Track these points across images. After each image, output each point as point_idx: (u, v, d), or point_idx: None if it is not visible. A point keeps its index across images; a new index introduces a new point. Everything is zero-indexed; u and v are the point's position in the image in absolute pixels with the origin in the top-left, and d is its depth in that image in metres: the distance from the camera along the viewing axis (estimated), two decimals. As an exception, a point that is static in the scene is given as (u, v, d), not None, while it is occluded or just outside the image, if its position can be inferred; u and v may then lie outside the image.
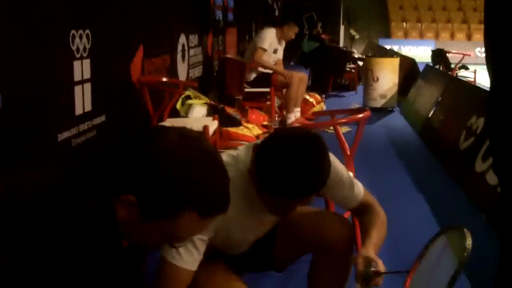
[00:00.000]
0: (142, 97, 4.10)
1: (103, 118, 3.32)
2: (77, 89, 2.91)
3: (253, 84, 6.46)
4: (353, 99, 8.81)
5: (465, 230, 1.45)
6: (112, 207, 1.23)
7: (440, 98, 6.36)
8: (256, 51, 6.34)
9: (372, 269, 1.67)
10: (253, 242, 1.99)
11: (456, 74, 9.10)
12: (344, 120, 3.09)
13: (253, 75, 6.46)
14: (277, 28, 6.57)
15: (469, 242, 1.40)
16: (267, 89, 6.42)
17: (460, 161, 4.67)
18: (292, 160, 1.62)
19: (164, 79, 4.55)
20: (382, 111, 7.78)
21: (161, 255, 1.66)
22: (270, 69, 6.40)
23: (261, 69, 6.46)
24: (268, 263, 2.06)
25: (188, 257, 1.66)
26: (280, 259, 2.05)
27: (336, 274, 1.95)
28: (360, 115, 2.90)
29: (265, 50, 6.33)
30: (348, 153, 2.95)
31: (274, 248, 2.02)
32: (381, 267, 1.69)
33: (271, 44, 6.44)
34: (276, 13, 12.65)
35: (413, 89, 8.01)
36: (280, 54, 6.75)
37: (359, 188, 1.97)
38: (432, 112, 6.36)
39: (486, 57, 1.57)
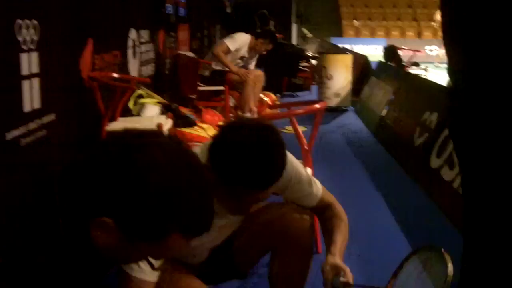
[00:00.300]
0: (93, 95, 3.95)
1: (53, 116, 3.17)
2: (25, 84, 2.75)
3: (208, 81, 6.36)
4: (307, 99, 8.82)
5: (444, 254, 1.44)
6: (86, 226, 1.11)
7: (393, 95, 6.40)
8: (221, 44, 6.24)
9: (341, 279, 1.65)
10: (212, 249, 1.92)
11: (408, 71, 9.23)
12: (301, 111, 3.03)
13: (208, 72, 6.36)
14: (252, 38, 6.50)
15: (450, 269, 1.39)
16: (222, 88, 6.33)
17: (415, 158, 4.70)
18: (248, 146, 1.57)
19: (115, 75, 4.40)
20: (336, 111, 7.82)
21: (119, 267, 1.57)
22: (225, 65, 6.30)
23: (217, 67, 6.37)
24: (229, 269, 1.99)
25: (148, 268, 1.56)
26: (241, 263, 1.99)
27: (298, 268, 1.89)
28: (317, 106, 2.87)
29: (229, 49, 6.24)
30: (306, 147, 2.91)
31: (234, 252, 1.95)
32: (349, 275, 1.67)
33: (239, 49, 6.36)
34: (228, 11, 12.56)
35: (366, 87, 8.06)
36: (251, 66, 6.69)
37: (318, 186, 1.93)
38: (386, 110, 6.40)
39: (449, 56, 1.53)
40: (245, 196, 1.66)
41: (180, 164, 1.11)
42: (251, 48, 6.53)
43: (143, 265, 1.54)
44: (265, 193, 1.66)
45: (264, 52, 6.72)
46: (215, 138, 1.65)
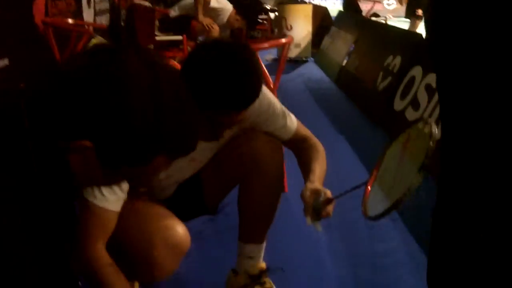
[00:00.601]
0: (46, 41, 3.78)
1: (6, 61, 3.03)
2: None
3: (170, 25, 6.13)
4: (267, 51, 8.71)
5: (425, 120, 1.37)
6: (60, 150, 1.00)
7: (354, 43, 6.36)
8: None
9: (321, 199, 1.59)
10: (179, 183, 1.84)
11: (369, 18, 9.23)
12: (267, 45, 2.96)
13: (175, 13, 6.13)
14: (233, 11, 6.25)
15: (434, 129, 1.30)
16: (180, 38, 6.14)
17: (378, 102, 4.69)
18: (224, 61, 1.49)
19: (70, 20, 4.22)
20: (297, 62, 7.76)
21: (80, 196, 1.47)
22: (196, 9, 6.01)
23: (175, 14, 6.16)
24: (198, 205, 1.91)
25: (112, 197, 1.48)
26: (210, 197, 1.91)
27: (267, 200, 1.83)
28: (283, 40, 2.80)
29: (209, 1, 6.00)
30: (272, 86, 2.85)
31: (202, 185, 1.88)
32: (329, 195, 1.60)
33: (219, 12, 6.13)
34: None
35: (326, 38, 8.00)
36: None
37: (292, 119, 1.87)
38: (347, 57, 6.37)
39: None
40: (219, 120, 1.58)
41: (163, 78, 0.99)
42: (228, 22, 6.31)
43: (107, 193, 1.46)
44: (239, 116, 1.59)
45: (234, 26, 6.48)
46: (188, 56, 1.55)
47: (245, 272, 1.89)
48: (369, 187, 1.45)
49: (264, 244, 1.90)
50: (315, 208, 1.59)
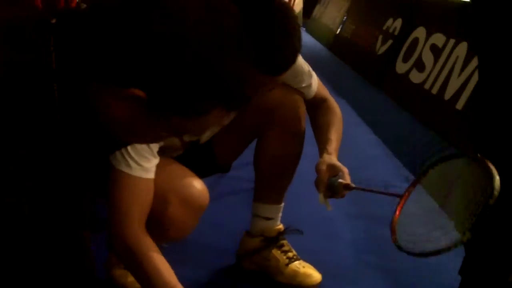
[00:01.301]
0: None
1: None
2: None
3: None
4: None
5: (491, 168, 1.15)
6: (89, 95, 0.83)
7: (350, 8, 6.18)
8: None
9: (340, 180, 1.47)
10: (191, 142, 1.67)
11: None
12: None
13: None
14: None
15: (497, 182, 1.12)
16: None
17: (379, 65, 4.54)
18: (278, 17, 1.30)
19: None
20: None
21: (112, 166, 1.29)
22: None
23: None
24: (210, 162, 1.74)
25: (146, 164, 1.31)
26: (222, 154, 1.73)
27: (289, 151, 1.67)
28: None
29: None
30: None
31: (214, 142, 1.70)
32: (347, 177, 1.48)
33: None
34: None
35: (318, 6, 7.83)
36: None
37: (315, 78, 1.70)
38: (342, 23, 6.20)
39: None
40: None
41: (224, 24, 0.82)
42: None
43: (141, 160, 1.29)
44: (275, 82, 1.41)
45: None
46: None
47: (261, 234, 1.74)
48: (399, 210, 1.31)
49: (283, 205, 1.74)
50: (330, 187, 1.47)
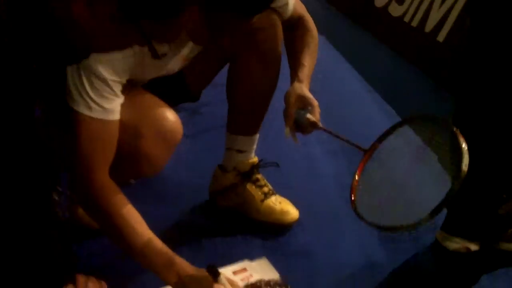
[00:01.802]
0: None
1: None
2: None
3: None
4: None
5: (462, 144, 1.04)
6: None
7: None
8: None
9: (308, 115, 1.38)
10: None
11: None
12: None
13: None
14: None
15: (465, 162, 1.01)
16: None
17: (357, 1, 4.40)
18: None
19: None
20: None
21: (72, 110, 1.17)
22: None
23: None
24: (179, 90, 1.62)
25: (108, 105, 1.19)
26: (193, 81, 1.61)
27: (264, 80, 1.55)
28: None
29: None
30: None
31: (185, 69, 1.57)
32: (317, 112, 1.39)
33: None
34: None
35: None
36: None
37: None
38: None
39: None
40: (228, 29, 1.24)
41: None
42: None
43: (103, 102, 1.17)
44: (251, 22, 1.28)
45: None
46: None
47: (235, 169, 1.65)
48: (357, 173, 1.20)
49: (257, 137, 1.65)
50: (297, 121, 1.39)
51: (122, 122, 1.23)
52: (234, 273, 1.27)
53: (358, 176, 1.19)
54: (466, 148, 1.01)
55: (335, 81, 2.97)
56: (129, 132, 1.25)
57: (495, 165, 1.41)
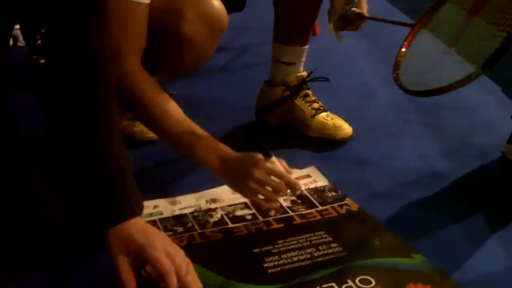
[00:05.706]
0: None
1: None
2: None
3: None
4: None
5: None
6: None
7: None
8: None
9: (353, 8, 1.30)
10: None
11: None
12: None
13: None
14: None
15: None
16: None
17: None
18: None
19: None
20: None
21: None
22: None
23: None
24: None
25: None
26: None
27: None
28: None
29: None
30: None
31: None
32: (364, 5, 1.31)
33: None
34: None
35: None
36: None
37: None
38: None
39: None
40: None
41: None
42: None
43: None
44: None
45: None
46: None
47: (283, 83, 1.57)
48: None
49: (307, 48, 1.55)
50: (343, 16, 1.32)
51: (163, 4, 1.14)
52: (297, 178, 1.18)
53: (406, 47, 1.09)
54: None
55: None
56: (173, 14, 1.15)
57: None
